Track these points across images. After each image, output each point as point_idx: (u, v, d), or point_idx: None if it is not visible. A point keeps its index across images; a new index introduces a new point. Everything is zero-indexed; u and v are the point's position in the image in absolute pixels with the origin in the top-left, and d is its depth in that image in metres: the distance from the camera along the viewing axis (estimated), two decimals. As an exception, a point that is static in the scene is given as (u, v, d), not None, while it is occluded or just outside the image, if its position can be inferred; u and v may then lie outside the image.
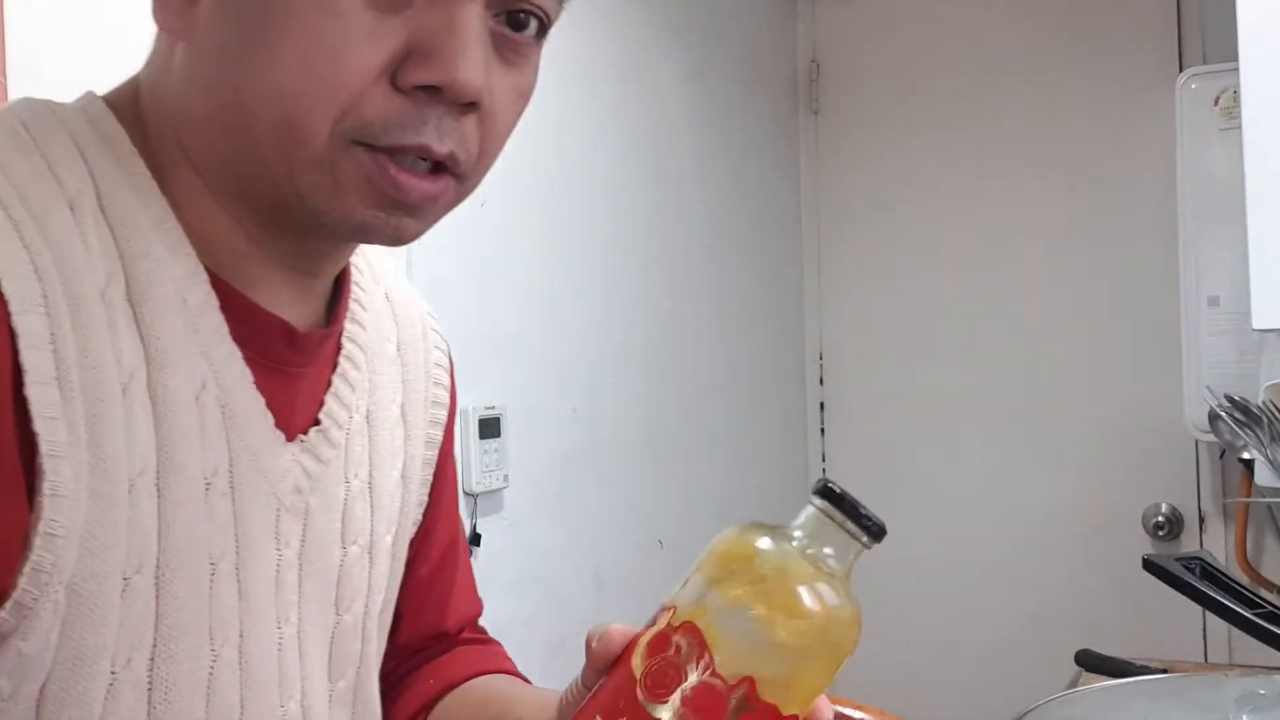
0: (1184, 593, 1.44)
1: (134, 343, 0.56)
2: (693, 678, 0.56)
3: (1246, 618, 1.39)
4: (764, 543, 0.61)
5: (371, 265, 0.74)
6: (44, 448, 0.52)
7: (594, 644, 0.58)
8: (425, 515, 0.80)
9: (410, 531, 0.78)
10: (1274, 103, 1.60)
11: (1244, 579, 2.16)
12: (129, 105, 0.62)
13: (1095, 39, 2.62)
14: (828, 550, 0.62)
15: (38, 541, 0.52)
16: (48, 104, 0.61)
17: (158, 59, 0.63)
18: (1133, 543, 2.54)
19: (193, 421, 0.58)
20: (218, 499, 0.60)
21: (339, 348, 0.70)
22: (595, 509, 2.04)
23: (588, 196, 2.02)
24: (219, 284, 0.60)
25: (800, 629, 0.58)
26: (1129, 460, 2.58)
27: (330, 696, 0.70)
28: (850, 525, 0.64)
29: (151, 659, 0.58)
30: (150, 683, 0.58)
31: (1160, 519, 2.56)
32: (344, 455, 0.69)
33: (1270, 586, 2.34)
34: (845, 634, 0.61)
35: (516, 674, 0.85)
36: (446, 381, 0.80)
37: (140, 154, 0.60)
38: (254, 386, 0.62)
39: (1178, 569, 1.44)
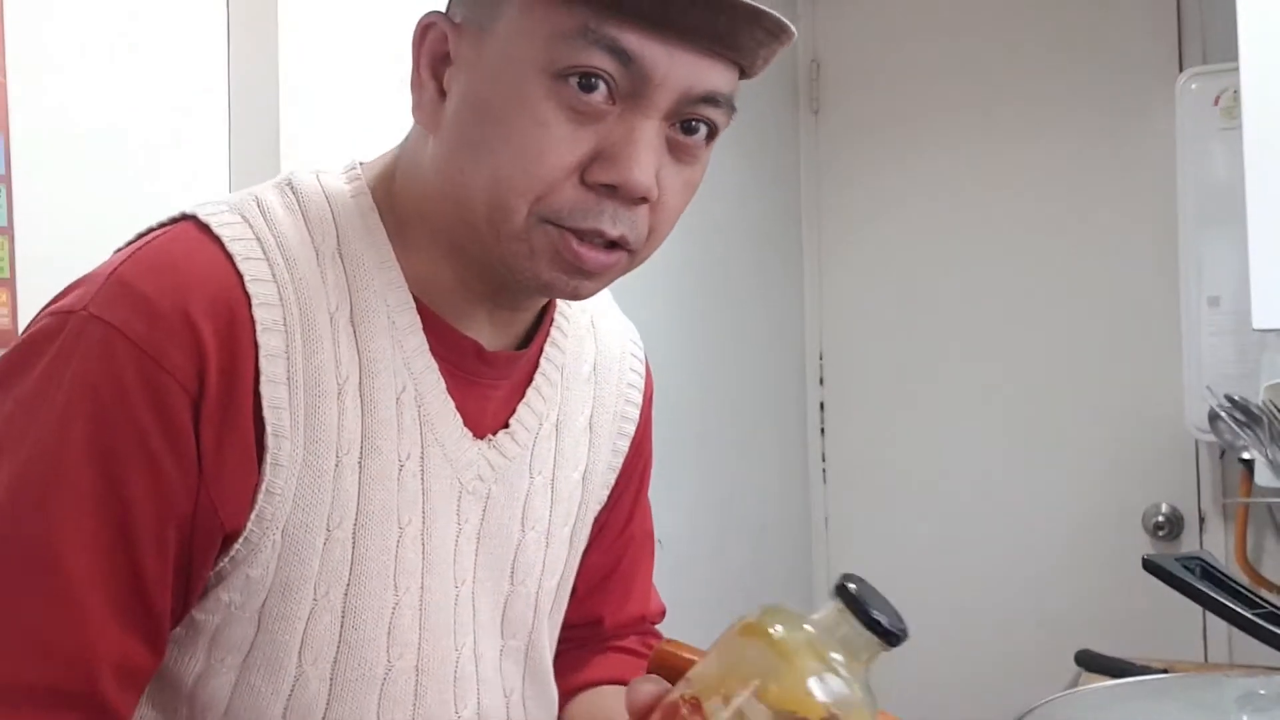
0: (1184, 593, 1.44)
1: (351, 354, 0.75)
2: None
3: (1246, 618, 1.38)
4: (779, 630, 0.63)
5: (575, 305, 0.90)
6: (270, 429, 0.71)
7: (627, 694, 0.67)
8: (603, 512, 0.95)
9: (588, 527, 0.93)
10: (1274, 103, 1.60)
11: (1244, 579, 2.16)
12: (382, 174, 0.80)
13: (1095, 39, 2.62)
14: (839, 649, 0.63)
15: (262, 497, 0.71)
16: (314, 172, 0.80)
17: (415, 142, 0.79)
18: (1133, 543, 2.54)
19: (392, 417, 0.76)
20: (409, 478, 0.77)
21: (536, 366, 0.86)
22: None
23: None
24: (425, 312, 0.78)
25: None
26: (1129, 460, 2.58)
27: (502, 650, 0.86)
28: (864, 630, 0.63)
29: (345, 594, 0.75)
30: (343, 612, 0.75)
31: (1160, 519, 2.57)
32: (530, 454, 0.85)
33: (1270, 586, 2.34)
34: None
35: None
36: (638, 400, 0.95)
37: (382, 211, 0.78)
38: (446, 393, 0.79)
39: (1178, 569, 1.44)
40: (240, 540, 0.72)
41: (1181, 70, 2.43)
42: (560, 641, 0.96)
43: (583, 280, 0.75)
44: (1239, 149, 1.63)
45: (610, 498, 0.96)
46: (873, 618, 0.63)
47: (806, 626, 0.63)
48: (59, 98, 1.26)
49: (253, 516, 0.71)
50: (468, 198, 0.73)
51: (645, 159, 0.71)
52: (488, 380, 0.82)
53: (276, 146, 1.42)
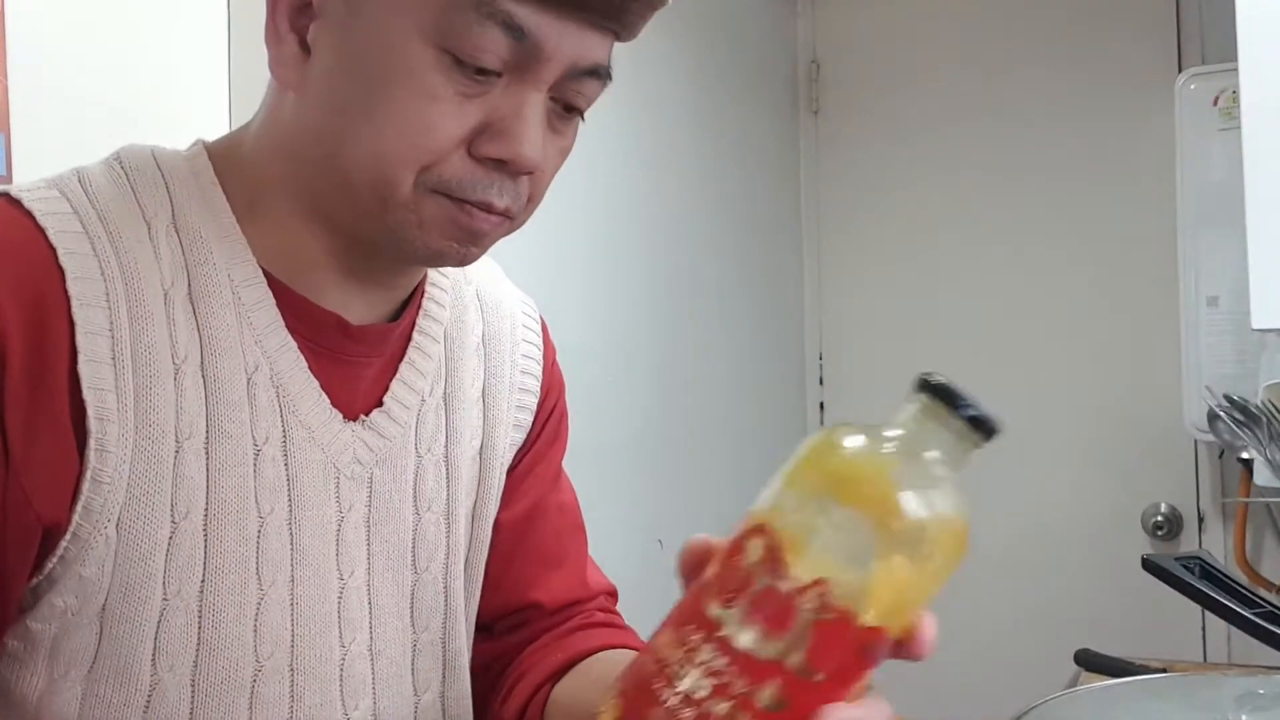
0: (1183, 592, 1.44)
1: (191, 333, 0.70)
2: (762, 581, 0.52)
3: (1245, 617, 1.39)
4: (853, 440, 0.55)
5: (464, 270, 0.85)
6: (92, 412, 0.65)
7: (679, 556, 0.61)
8: (506, 490, 0.88)
9: (494, 503, 0.87)
10: (1273, 103, 1.60)
11: (1243, 578, 2.17)
12: (228, 144, 0.76)
13: (1094, 39, 2.63)
14: (932, 452, 0.55)
15: (87, 487, 0.65)
16: (150, 147, 0.75)
17: (271, 105, 0.74)
18: (1132, 542, 2.54)
19: (242, 398, 0.71)
20: (267, 463, 0.72)
21: (410, 340, 0.81)
22: (595, 509, 2.04)
23: (587, 197, 2.02)
24: (277, 286, 0.73)
25: (887, 531, 0.52)
26: (1128, 460, 2.58)
27: (415, 645, 0.81)
28: (955, 421, 0.55)
29: (200, 590, 0.70)
30: (199, 610, 0.70)
31: (1159, 519, 2.57)
32: (413, 432, 0.80)
33: (1269, 586, 2.34)
34: (943, 542, 0.53)
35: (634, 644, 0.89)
36: (536, 371, 0.90)
37: (225, 182, 0.74)
38: (308, 371, 0.74)
39: (1177, 569, 1.44)
40: (67, 536, 0.66)
41: (1180, 71, 2.43)
42: (510, 631, 0.90)
43: (471, 248, 0.73)
44: (1238, 149, 1.63)
45: (518, 470, 0.90)
46: (968, 404, 0.54)
47: (889, 433, 0.55)
48: (59, 98, 1.27)
49: (78, 509, 0.66)
50: (346, 167, 0.70)
51: (534, 134, 0.70)
52: (355, 356, 0.77)
53: (276, 146, 1.42)
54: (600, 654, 0.88)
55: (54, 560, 0.66)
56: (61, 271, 0.66)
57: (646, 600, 1.16)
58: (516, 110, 0.69)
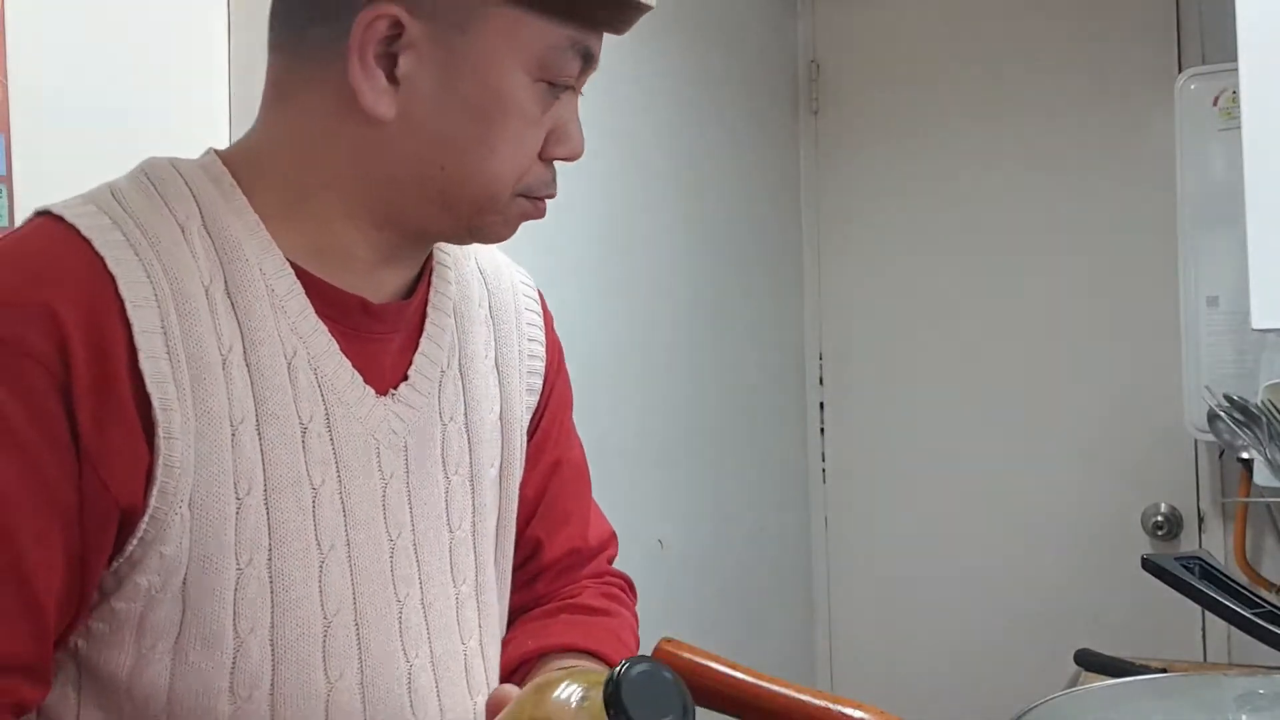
0: (1183, 592, 1.44)
1: (232, 325, 0.76)
2: None
3: (1245, 617, 1.39)
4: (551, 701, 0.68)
5: (459, 248, 0.92)
6: (156, 403, 0.72)
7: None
8: (527, 455, 0.96)
9: (518, 467, 0.94)
10: (1273, 103, 1.60)
11: (1243, 578, 2.17)
12: (244, 154, 0.82)
13: (1094, 39, 2.63)
14: None
15: (159, 472, 0.72)
16: (169, 159, 0.82)
17: (322, 125, 0.80)
18: (1132, 542, 2.54)
19: (284, 382, 0.78)
20: (314, 440, 0.79)
21: (424, 316, 0.88)
22: (595, 509, 2.04)
23: (586, 197, 2.02)
24: (304, 275, 0.80)
25: None
26: (1128, 460, 2.58)
27: (457, 597, 0.88)
28: None
29: (269, 558, 0.77)
30: (270, 576, 0.77)
31: (1159, 519, 2.57)
32: (436, 401, 0.87)
33: (1269, 586, 2.35)
34: None
35: (600, 650, 0.96)
36: (541, 338, 0.98)
37: (245, 186, 0.80)
38: (339, 352, 0.81)
39: (1177, 569, 1.44)
40: (146, 519, 0.72)
41: (1180, 71, 2.43)
42: (524, 585, 0.98)
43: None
44: (1238, 149, 1.63)
45: (537, 436, 0.98)
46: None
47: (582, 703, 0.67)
48: (59, 97, 1.27)
49: (154, 492, 0.72)
50: (448, 185, 0.80)
51: (581, 130, 0.84)
52: (378, 334, 0.84)
53: (277, 146, 1.42)
54: (543, 657, 0.94)
55: (135, 542, 0.73)
56: (112, 278, 0.72)
57: (647, 600, 1.16)
58: (571, 115, 0.83)
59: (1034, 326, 2.67)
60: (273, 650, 0.77)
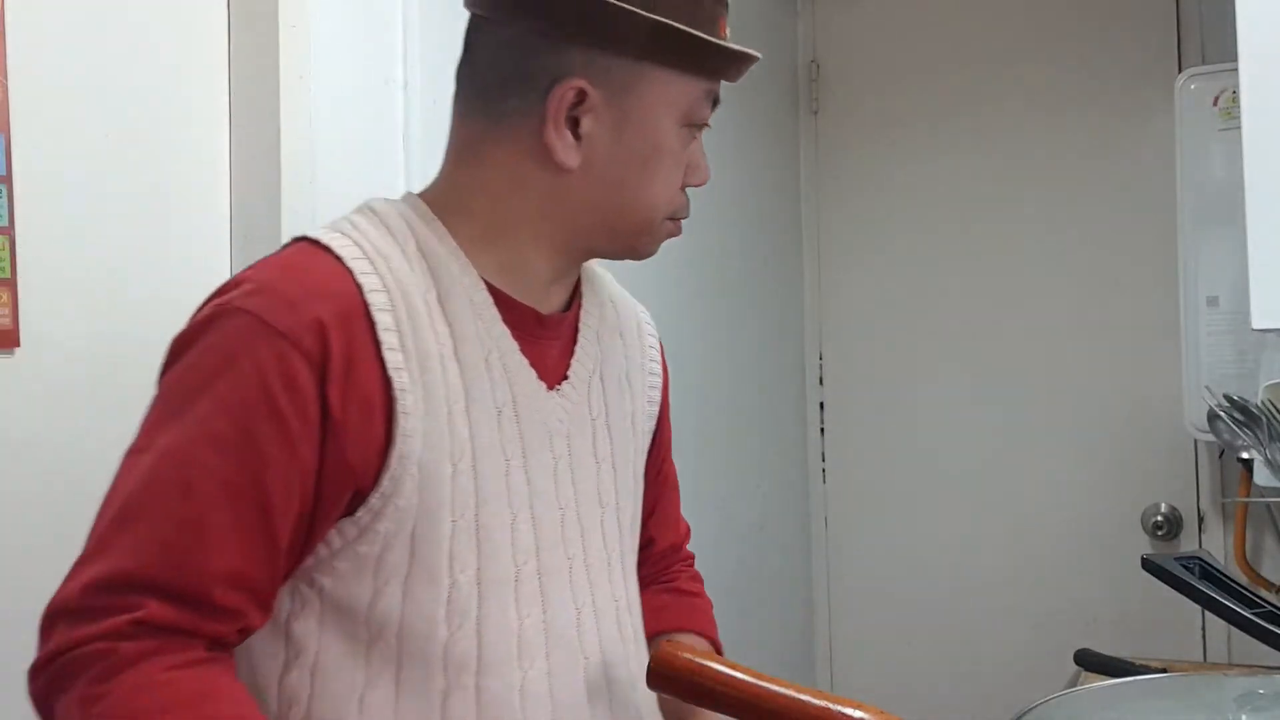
0: (1183, 592, 1.44)
1: (444, 327, 0.95)
2: None
3: (1245, 617, 1.39)
4: None
5: (598, 278, 1.14)
6: (396, 386, 0.91)
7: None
8: (650, 460, 1.17)
9: (643, 463, 1.14)
10: (1273, 103, 1.60)
11: (1243, 579, 2.17)
12: (441, 198, 1.02)
13: (1094, 39, 2.63)
14: None
15: (399, 439, 0.91)
16: (382, 198, 1.02)
17: (511, 174, 1.00)
18: (1132, 542, 2.54)
19: (483, 374, 0.97)
20: (507, 422, 0.98)
21: (577, 330, 1.07)
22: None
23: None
24: (493, 290, 0.99)
25: None
26: (1128, 460, 2.58)
27: (608, 562, 1.06)
28: None
29: (475, 514, 0.94)
30: (476, 529, 0.95)
31: (1159, 519, 2.57)
32: (587, 400, 1.06)
33: (1269, 586, 2.35)
34: None
35: (702, 631, 1.23)
36: (658, 359, 1.19)
37: (445, 219, 1.00)
38: (520, 353, 1.00)
39: (1177, 569, 1.45)
40: (386, 476, 0.91)
41: (1180, 70, 2.43)
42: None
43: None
44: (1238, 149, 1.63)
45: (656, 445, 1.19)
46: None
47: None
48: (59, 98, 1.27)
49: (394, 455, 0.90)
50: (617, 219, 1.01)
51: (706, 159, 1.05)
52: (546, 339, 1.03)
53: (277, 145, 1.42)
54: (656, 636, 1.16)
55: (376, 495, 0.91)
56: (359, 287, 0.92)
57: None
58: (699, 148, 1.04)
59: (1034, 326, 2.67)
60: (478, 589, 0.94)
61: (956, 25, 2.75)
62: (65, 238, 1.27)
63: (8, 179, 1.20)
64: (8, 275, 1.20)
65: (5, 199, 1.20)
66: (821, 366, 2.88)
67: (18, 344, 1.21)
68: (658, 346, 1.20)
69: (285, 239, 1.41)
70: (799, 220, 2.88)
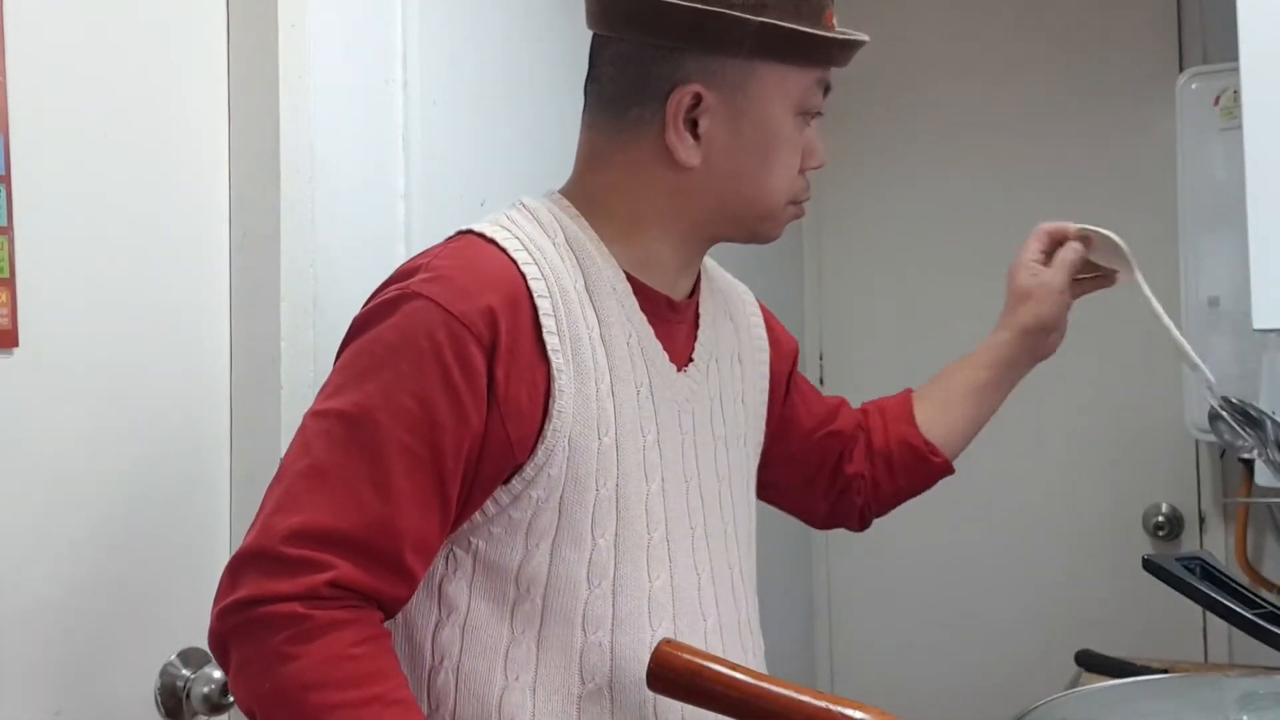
0: (1184, 593, 1.44)
1: (591, 313, 1.04)
2: None
3: (1247, 618, 1.39)
4: None
5: (708, 265, 1.22)
6: (554, 365, 1.00)
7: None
8: (787, 408, 1.34)
9: (758, 436, 1.25)
10: (1275, 102, 1.59)
11: (1244, 579, 2.16)
12: (582, 194, 1.11)
13: (1095, 39, 2.62)
14: None
15: (554, 414, 1.00)
16: (533, 196, 1.11)
17: (644, 175, 1.09)
18: (1133, 543, 2.53)
19: (625, 356, 1.06)
20: (644, 399, 1.07)
21: (698, 315, 1.16)
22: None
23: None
24: (631, 279, 1.08)
25: None
26: (1129, 460, 2.58)
27: (725, 532, 1.17)
28: None
29: (616, 485, 1.04)
30: (616, 497, 1.04)
31: (1160, 519, 2.56)
32: (706, 379, 1.15)
33: (1270, 587, 2.34)
34: None
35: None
36: (764, 336, 1.28)
37: (587, 215, 1.09)
38: (654, 336, 1.09)
39: (1178, 569, 1.44)
40: (542, 448, 1.00)
41: (1181, 70, 2.43)
42: (847, 473, 1.39)
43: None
44: (1239, 149, 1.63)
45: (788, 398, 1.35)
46: None
47: None
48: (57, 97, 1.26)
49: (550, 427, 1.00)
50: (740, 207, 1.09)
51: (822, 143, 1.11)
52: (674, 323, 1.12)
53: (276, 145, 1.42)
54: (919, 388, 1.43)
55: (530, 465, 1.00)
56: (523, 276, 1.01)
57: (647, 600, 1.17)
58: (815, 134, 1.11)
59: (1035, 326, 2.66)
60: (615, 553, 1.03)
61: (957, 26, 2.75)
62: (65, 238, 1.26)
63: (7, 179, 1.20)
64: (7, 275, 1.20)
65: (5, 199, 1.20)
66: (821, 366, 2.87)
67: (17, 344, 1.21)
68: (762, 324, 1.29)
69: (285, 239, 1.42)
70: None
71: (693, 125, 1.06)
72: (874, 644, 2.78)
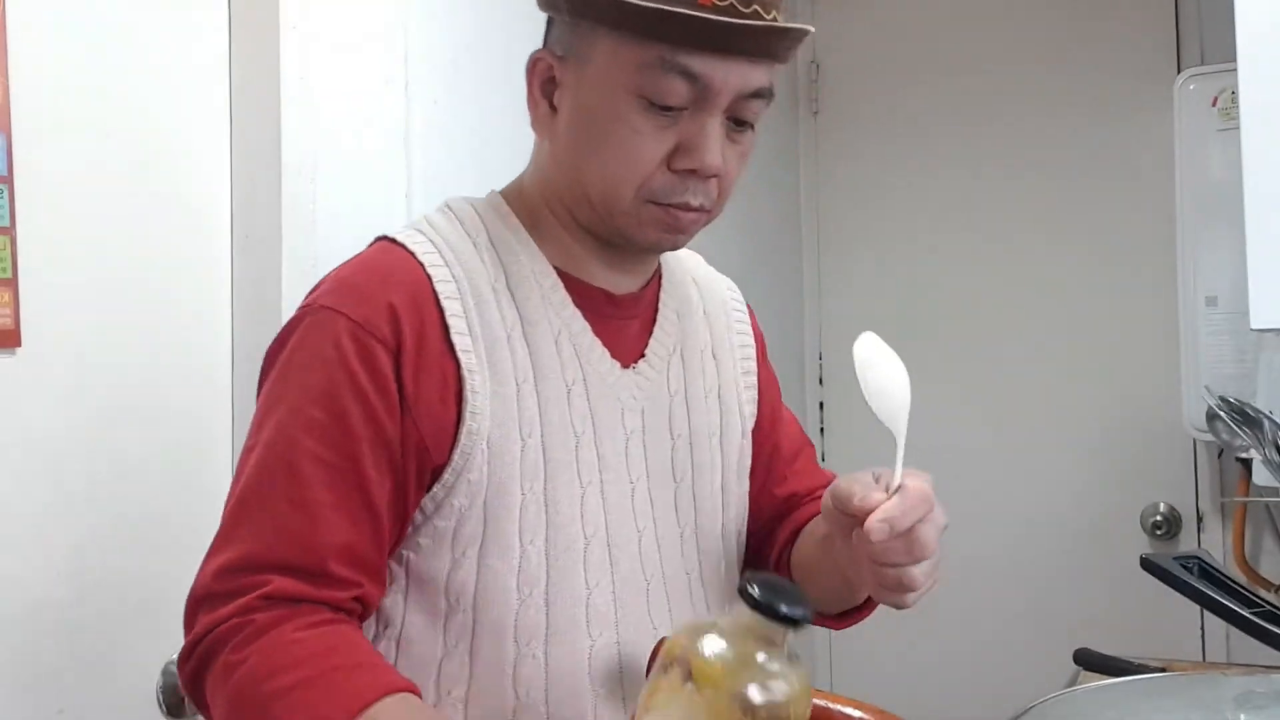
0: (1182, 592, 1.44)
1: (512, 312, 1.00)
2: None
3: (1244, 617, 1.39)
4: (700, 656, 0.78)
5: (682, 259, 1.17)
6: (464, 365, 0.97)
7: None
8: (765, 433, 1.21)
9: (740, 437, 1.16)
10: (1272, 103, 1.60)
11: (1242, 578, 2.17)
12: (513, 187, 1.08)
13: (1094, 40, 2.63)
14: (756, 646, 0.78)
15: (467, 416, 0.96)
16: (464, 197, 1.08)
17: (536, 154, 1.07)
18: (1131, 542, 2.54)
19: (553, 354, 1.01)
20: (577, 398, 1.02)
21: (657, 309, 1.10)
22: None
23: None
24: (563, 275, 1.04)
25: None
26: (1127, 460, 2.59)
27: (682, 535, 1.09)
28: (773, 624, 0.78)
29: (545, 487, 0.99)
30: (545, 501, 0.99)
31: (1158, 518, 2.57)
32: (665, 376, 1.09)
33: (1268, 585, 2.35)
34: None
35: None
36: (748, 331, 1.22)
37: (516, 211, 1.05)
38: (591, 332, 1.04)
39: (1176, 568, 1.45)
40: (457, 452, 0.96)
41: (1179, 71, 2.43)
42: (777, 529, 1.20)
43: (678, 236, 1.02)
44: (1237, 149, 1.63)
45: (764, 421, 1.21)
46: (779, 612, 0.77)
47: (718, 641, 0.78)
48: (59, 97, 1.27)
49: (464, 432, 0.96)
50: (584, 188, 1.00)
51: (715, 148, 0.97)
52: (620, 318, 1.07)
53: (277, 145, 1.42)
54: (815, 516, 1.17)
55: (449, 472, 0.96)
56: (430, 279, 0.98)
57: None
58: (699, 131, 0.97)
59: (1033, 326, 2.68)
60: (547, 559, 0.99)
61: (956, 26, 2.76)
62: (66, 238, 1.27)
63: (9, 179, 1.21)
64: (9, 275, 1.20)
65: (6, 199, 1.20)
66: (821, 366, 2.88)
67: (19, 344, 1.21)
68: (746, 318, 1.23)
69: (286, 239, 1.43)
70: (799, 220, 2.89)
71: (551, 97, 1.01)
72: (874, 643, 2.78)
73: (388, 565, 0.98)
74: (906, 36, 2.80)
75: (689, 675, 0.77)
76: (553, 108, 1.01)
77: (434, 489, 0.97)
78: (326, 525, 0.92)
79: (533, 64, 1.02)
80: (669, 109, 0.95)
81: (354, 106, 1.54)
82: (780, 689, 0.77)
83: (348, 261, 1.03)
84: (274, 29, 1.42)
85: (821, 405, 2.87)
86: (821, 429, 2.87)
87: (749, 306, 1.24)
